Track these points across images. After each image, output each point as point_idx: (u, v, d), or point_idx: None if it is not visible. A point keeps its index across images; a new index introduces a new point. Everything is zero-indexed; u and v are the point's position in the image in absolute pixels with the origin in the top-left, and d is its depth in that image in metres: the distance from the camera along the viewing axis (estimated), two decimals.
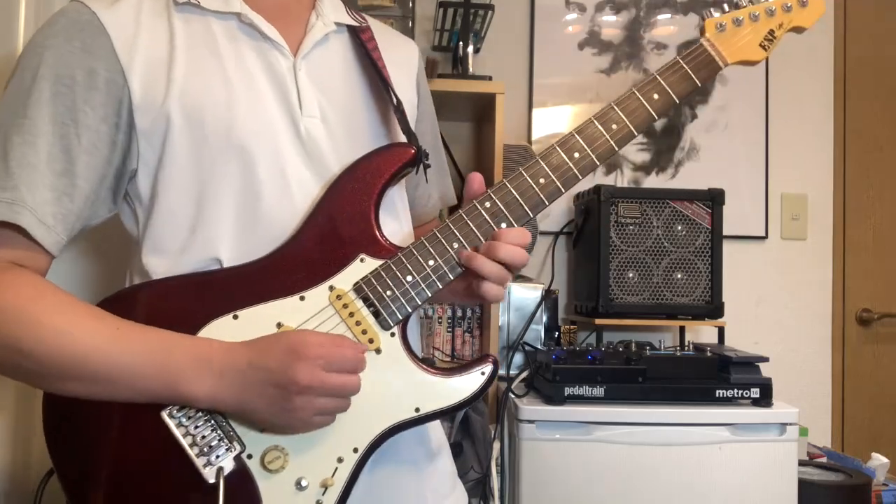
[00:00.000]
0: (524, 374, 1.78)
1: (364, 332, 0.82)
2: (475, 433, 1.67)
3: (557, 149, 0.88)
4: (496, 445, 1.68)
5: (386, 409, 0.81)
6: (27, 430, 1.14)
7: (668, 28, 2.28)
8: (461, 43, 1.90)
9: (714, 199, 1.90)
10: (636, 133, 0.90)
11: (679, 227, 1.90)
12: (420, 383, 0.82)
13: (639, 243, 1.89)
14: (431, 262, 0.84)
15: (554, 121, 2.24)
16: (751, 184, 2.28)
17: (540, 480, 1.57)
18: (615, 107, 0.90)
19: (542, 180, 0.87)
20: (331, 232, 0.83)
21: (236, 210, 0.83)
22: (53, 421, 0.79)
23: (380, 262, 0.83)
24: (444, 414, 0.83)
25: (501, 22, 2.15)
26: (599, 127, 0.89)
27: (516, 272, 0.88)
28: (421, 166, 0.90)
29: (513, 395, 1.68)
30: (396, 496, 0.89)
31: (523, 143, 2.18)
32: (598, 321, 1.88)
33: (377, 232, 0.85)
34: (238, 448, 0.78)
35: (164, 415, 0.77)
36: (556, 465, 1.57)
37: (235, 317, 0.80)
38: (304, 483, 0.78)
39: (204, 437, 0.77)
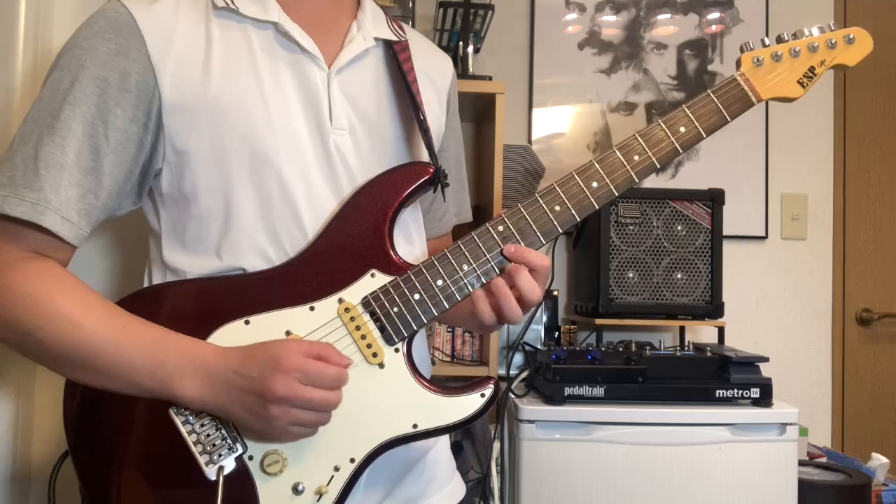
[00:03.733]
0: (524, 374, 1.78)
1: (369, 346, 0.83)
2: (475, 433, 1.67)
3: (576, 177, 0.87)
4: (496, 445, 1.68)
5: (385, 423, 0.82)
6: (27, 418, 1.15)
7: (668, 28, 2.28)
8: (461, 43, 1.90)
9: (714, 199, 1.90)
10: (658, 165, 0.87)
11: (679, 227, 1.90)
12: (420, 400, 0.83)
13: (639, 243, 1.89)
14: (440, 282, 0.84)
15: (554, 121, 2.24)
16: (751, 184, 2.28)
17: (540, 480, 1.57)
18: (639, 137, 0.87)
19: (557, 207, 0.86)
20: (344, 245, 0.84)
21: (262, 219, 0.84)
22: (72, 405, 0.83)
23: (389, 278, 0.84)
24: (442, 432, 0.84)
25: (501, 22, 2.15)
26: (620, 157, 0.87)
27: (527, 310, 0.86)
28: (440, 185, 0.89)
29: (513, 395, 1.68)
30: (395, 485, 0.91)
31: (523, 143, 2.18)
32: (598, 321, 1.88)
33: (390, 248, 0.85)
34: (240, 449, 0.80)
35: (172, 412, 0.79)
36: (556, 465, 1.57)
37: (247, 322, 0.82)
38: (300, 488, 0.80)
39: (208, 435, 0.79)
